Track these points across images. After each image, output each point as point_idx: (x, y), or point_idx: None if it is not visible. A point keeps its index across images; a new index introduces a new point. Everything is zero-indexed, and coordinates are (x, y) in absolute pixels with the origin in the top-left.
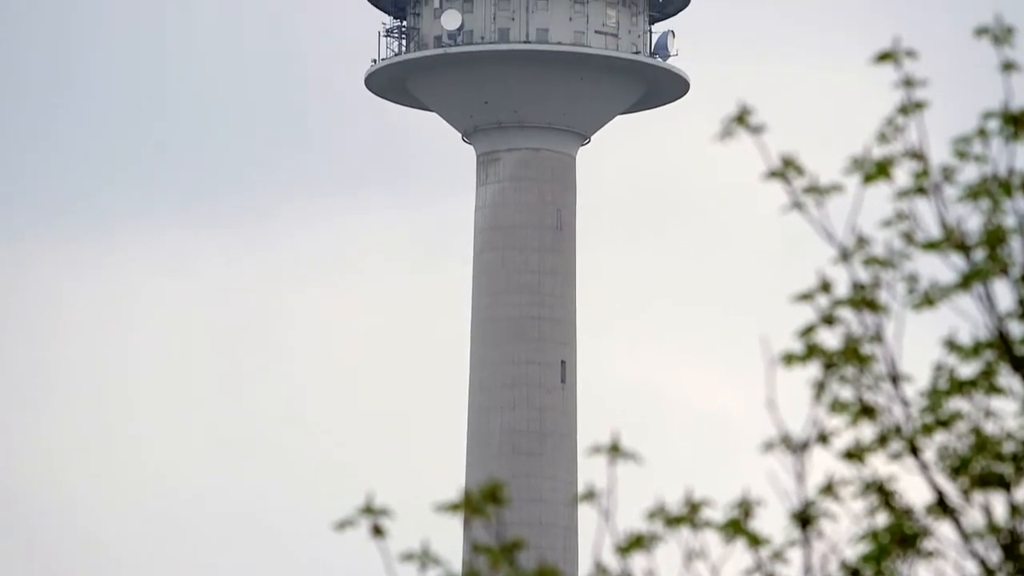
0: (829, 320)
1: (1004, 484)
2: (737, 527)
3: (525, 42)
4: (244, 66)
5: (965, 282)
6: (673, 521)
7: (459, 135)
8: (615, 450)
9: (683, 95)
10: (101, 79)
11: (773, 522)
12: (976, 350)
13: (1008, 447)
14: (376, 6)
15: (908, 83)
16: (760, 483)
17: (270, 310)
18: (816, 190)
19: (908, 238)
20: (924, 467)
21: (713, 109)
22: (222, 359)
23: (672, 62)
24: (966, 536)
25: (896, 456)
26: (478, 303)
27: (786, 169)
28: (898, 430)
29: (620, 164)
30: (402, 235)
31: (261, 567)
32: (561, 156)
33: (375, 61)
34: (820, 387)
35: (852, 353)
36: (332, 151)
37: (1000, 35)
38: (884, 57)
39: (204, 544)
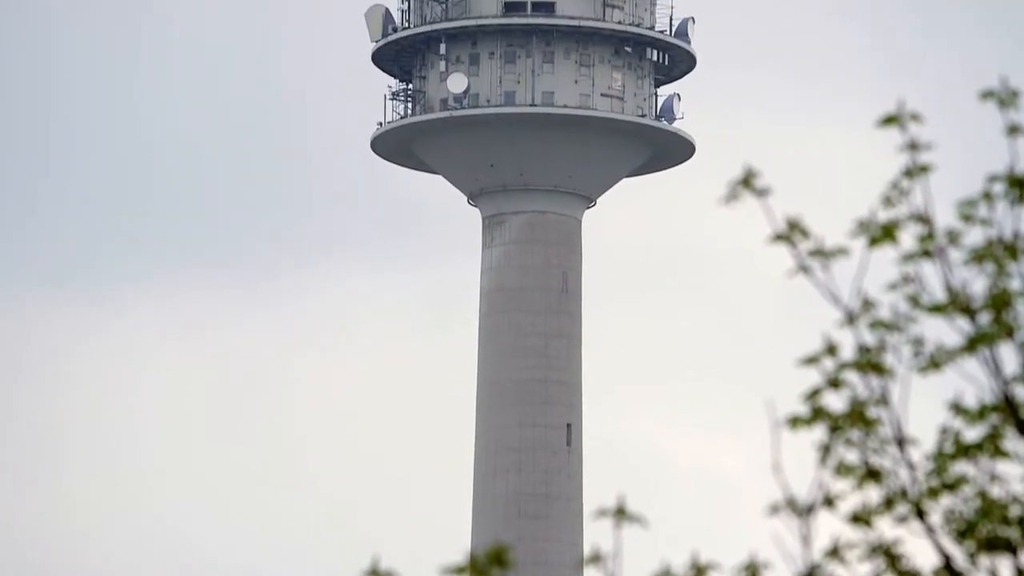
0: (835, 383)
1: (1010, 548)
2: None
3: (531, 105)
4: (250, 128)
5: (971, 345)
6: None
7: (465, 198)
8: (621, 513)
9: (689, 158)
10: (107, 141)
11: None
12: (982, 414)
13: (1014, 511)
14: (382, 69)
15: (913, 146)
16: (766, 546)
17: (275, 372)
18: (821, 253)
19: (914, 301)
20: (930, 530)
21: (719, 172)
22: (227, 422)
23: (678, 125)
24: None
25: (902, 519)
26: (484, 366)
27: (792, 232)
28: (904, 493)
29: (626, 227)
30: (408, 298)
31: None
32: (567, 219)
33: (381, 124)
34: (826, 450)
35: (858, 416)
36: (337, 214)
37: (1005, 99)
38: (889, 120)
39: None
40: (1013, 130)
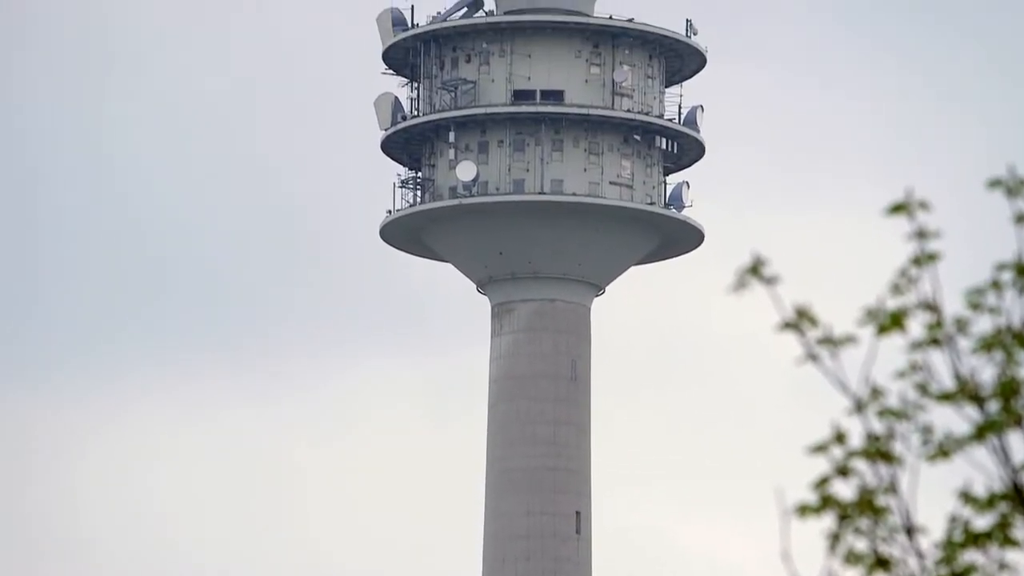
0: (844, 471)
1: None
2: None
3: (540, 193)
4: (260, 215)
5: (979, 434)
6: None
7: (474, 286)
8: None
9: (698, 245)
10: (115, 229)
11: None
12: (991, 502)
13: None
14: (391, 157)
15: (921, 234)
16: None
17: (284, 460)
18: (830, 341)
19: (922, 389)
20: None
21: (728, 259)
22: (237, 509)
23: (687, 213)
24: None
25: None
26: (493, 454)
27: (800, 320)
28: None
29: (635, 314)
30: (417, 385)
31: None
32: (576, 307)
33: (390, 212)
34: (835, 538)
35: (867, 505)
36: (346, 301)
37: (1013, 187)
38: (898, 209)
39: None
40: (1021, 219)
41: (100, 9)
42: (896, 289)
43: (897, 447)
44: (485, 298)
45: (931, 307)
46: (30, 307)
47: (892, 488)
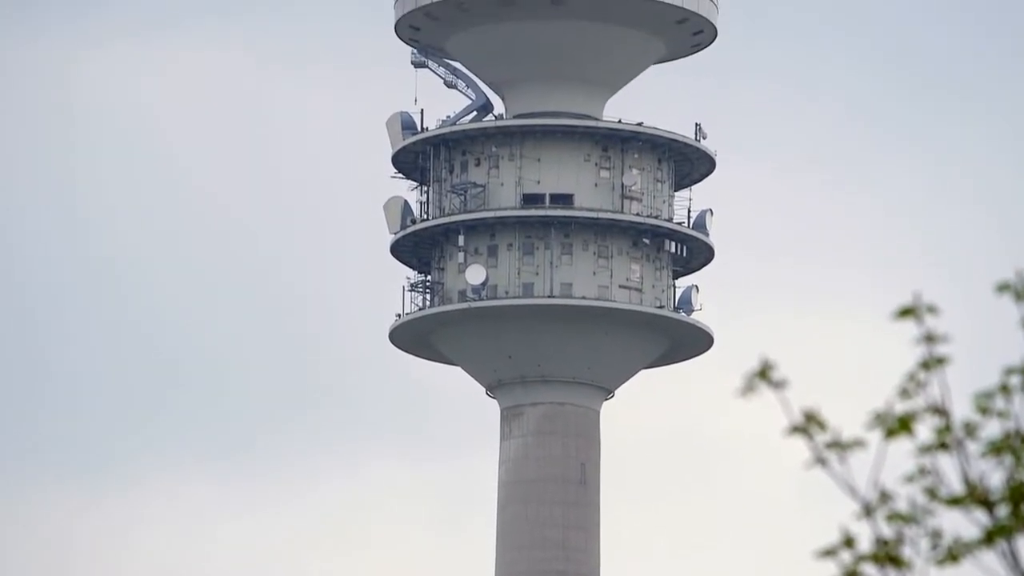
0: (853, 575)
1: None
2: None
3: (549, 296)
4: (268, 318)
5: (988, 538)
6: None
7: (483, 389)
8: None
9: (707, 349)
10: (120, 332)
11: None
12: None
13: None
14: (401, 261)
15: (930, 338)
16: None
17: (293, 565)
18: (838, 445)
19: (931, 494)
20: None
21: (737, 363)
22: None
23: (696, 316)
24: None
25: None
26: (502, 558)
27: (808, 424)
28: None
29: (644, 418)
30: (426, 489)
31: None
32: (585, 410)
33: (399, 316)
34: None
35: None
36: (355, 405)
37: (1021, 291)
38: (906, 313)
39: None
40: None
41: (110, 112)
42: (904, 393)
43: (906, 551)
44: (494, 401)
45: (940, 411)
46: (36, 410)
47: None
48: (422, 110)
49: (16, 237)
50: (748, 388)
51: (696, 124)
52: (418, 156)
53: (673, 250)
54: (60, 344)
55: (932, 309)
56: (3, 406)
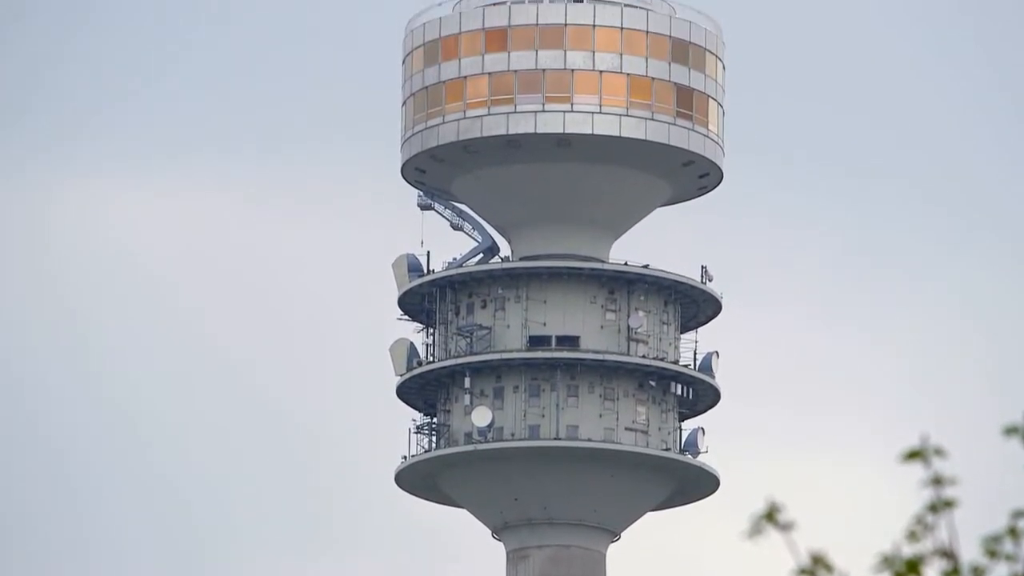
0: None
1: None
2: None
3: (555, 439)
4: (272, 460)
5: None
6: None
7: (489, 531)
8: None
9: (714, 491)
10: (130, 479)
11: None
12: None
13: None
14: (407, 403)
15: (937, 481)
16: None
17: None
18: None
19: None
20: None
21: (743, 505)
22: None
23: (702, 459)
24: None
25: None
26: None
27: (816, 567)
28: None
29: (651, 561)
30: None
31: None
32: (591, 553)
33: (405, 458)
34: None
35: None
36: (361, 548)
37: None
38: (913, 455)
39: None
40: None
41: (114, 256)
42: (912, 535)
43: None
44: (500, 544)
45: (947, 554)
46: (42, 534)
47: None
48: (428, 252)
49: (12, 372)
50: (755, 530)
51: (702, 266)
52: (424, 298)
53: (679, 392)
54: (58, 487)
55: (939, 452)
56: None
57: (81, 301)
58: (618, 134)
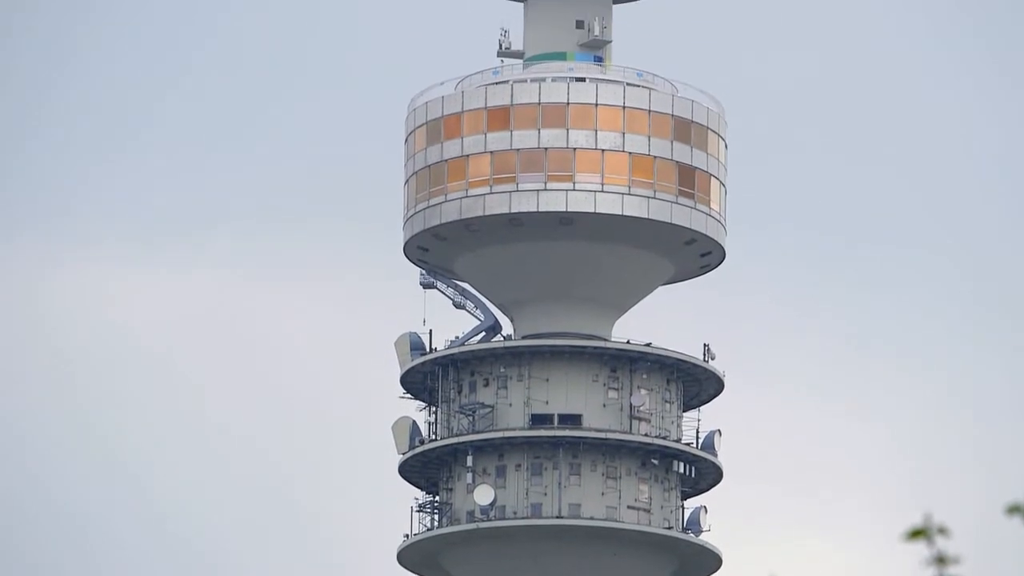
0: None
1: None
2: None
3: (558, 517)
4: (275, 538)
5: None
6: None
7: None
8: None
9: (716, 570)
10: (138, 551)
11: None
12: None
13: None
14: (409, 481)
15: (940, 560)
16: None
17: None
18: None
19: None
20: None
21: None
22: None
23: (705, 537)
24: None
25: None
26: None
27: None
28: None
29: None
30: None
31: None
32: None
33: (407, 536)
34: None
35: None
36: None
37: None
38: (916, 534)
39: None
40: None
41: (117, 336)
42: None
43: None
44: None
45: None
46: None
47: None
48: (431, 330)
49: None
50: None
51: (705, 345)
52: (427, 376)
53: (682, 471)
54: (66, 549)
55: (943, 530)
56: None
57: (82, 383)
58: (620, 212)
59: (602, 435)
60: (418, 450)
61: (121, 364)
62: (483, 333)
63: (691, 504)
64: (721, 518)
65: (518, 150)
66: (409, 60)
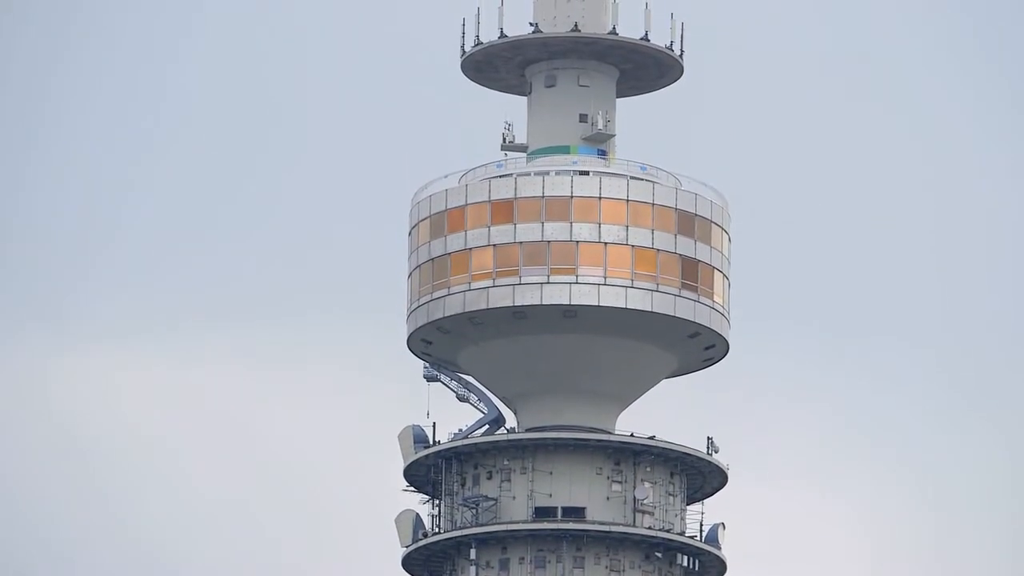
0: None
1: None
2: None
3: None
4: None
5: None
6: None
7: None
8: None
9: None
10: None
11: None
12: None
13: None
14: (412, 574)
15: None
16: None
17: None
18: None
19: None
20: None
21: None
22: None
23: None
24: None
25: None
26: None
27: None
28: None
29: None
30: None
31: None
32: None
33: None
34: None
35: None
36: None
37: None
38: None
39: None
40: None
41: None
42: None
43: None
44: None
45: None
46: None
47: None
48: (434, 423)
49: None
50: None
51: (708, 438)
52: (430, 469)
53: (685, 564)
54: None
55: None
56: None
57: (90, 476)
58: (624, 306)
59: (606, 528)
60: (422, 543)
61: (121, 460)
62: (487, 426)
63: None
64: None
65: (521, 243)
66: (413, 153)
